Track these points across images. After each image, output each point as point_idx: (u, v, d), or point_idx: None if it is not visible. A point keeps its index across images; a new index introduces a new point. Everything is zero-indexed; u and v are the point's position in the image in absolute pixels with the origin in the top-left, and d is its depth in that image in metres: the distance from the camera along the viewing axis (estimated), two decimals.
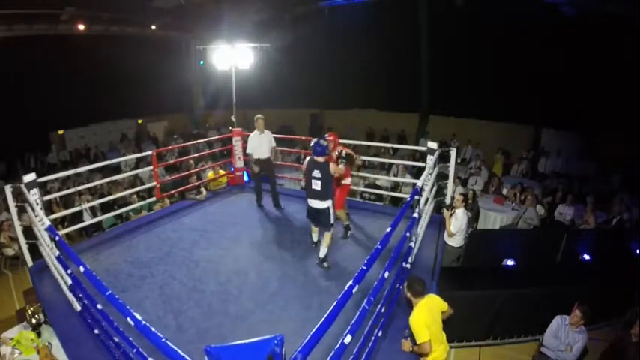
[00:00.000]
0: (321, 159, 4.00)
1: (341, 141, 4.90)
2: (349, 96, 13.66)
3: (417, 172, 7.82)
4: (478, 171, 9.41)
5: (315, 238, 4.59)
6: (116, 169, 9.63)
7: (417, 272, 3.94)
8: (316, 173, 4.00)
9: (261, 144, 5.59)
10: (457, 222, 4.72)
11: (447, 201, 5.24)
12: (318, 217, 4.23)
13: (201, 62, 12.19)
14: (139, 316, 1.91)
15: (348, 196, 4.90)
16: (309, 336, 1.65)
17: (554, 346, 3.88)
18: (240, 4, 11.46)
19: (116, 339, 2.69)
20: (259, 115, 5.68)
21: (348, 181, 4.76)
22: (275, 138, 5.88)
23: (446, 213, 4.82)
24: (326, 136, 4.54)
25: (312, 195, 4.13)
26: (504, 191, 8.32)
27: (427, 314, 2.89)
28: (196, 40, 13.40)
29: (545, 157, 10.37)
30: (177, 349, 1.60)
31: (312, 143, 4.00)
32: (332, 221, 4.13)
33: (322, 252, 4.17)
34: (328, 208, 4.09)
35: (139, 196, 6.92)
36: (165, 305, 3.54)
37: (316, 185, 4.03)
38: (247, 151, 5.66)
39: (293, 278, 3.98)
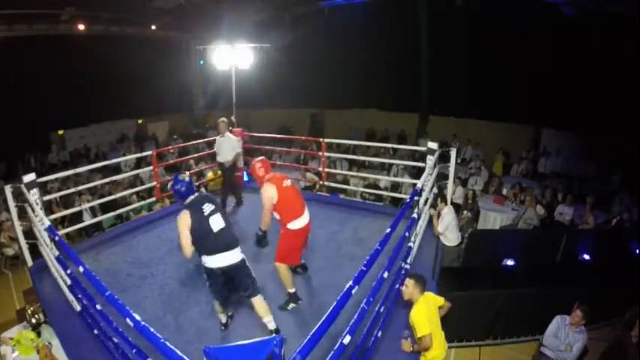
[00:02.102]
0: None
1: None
2: (349, 96, 13.66)
3: (417, 172, 7.83)
4: (478, 171, 9.41)
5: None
6: (116, 169, 9.63)
7: (417, 272, 3.94)
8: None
9: (220, 145, 5.53)
10: (443, 222, 4.72)
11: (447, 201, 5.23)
12: None
13: (201, 62, 12.21)
14: (137, 317, 1.90)
15: (292, 248, 3.44)
16: (309, 337, 1.64)
17: (555, 346, 3.88)
18: (240, 4, 11.47)
19: (115, 339, 2.69)
20: (222, 118, 5.56)
21: (295, 224, 3.35)
22: (274, 138, 5.88)
23: (432, 212, 4.81)
24: (255, 161, 3.49)
25: None
26: (504, 191, 8.32)
27: (427, 309, 2.94)
28: (196, 40, 13.40)
29: (546, 157, 10.37)
30: (176, 350, 1.60)
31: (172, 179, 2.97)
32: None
33: None
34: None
35: (139, 196, 6.92)
36: (165, 305, 3.54)
37: None
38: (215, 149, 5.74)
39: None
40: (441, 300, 3.15)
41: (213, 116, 15.38)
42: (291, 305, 3.43)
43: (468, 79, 11.25)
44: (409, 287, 3.01)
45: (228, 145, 5.52)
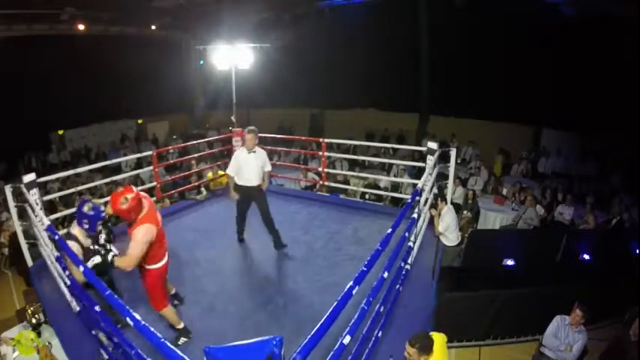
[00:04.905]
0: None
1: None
2: (349, 96, 13.66)
3: (418, 172, 7.83)
4: (478, 171, 9.42)
5: None
6: (116, 169, 9.64)
7: (417, 273, 3.95)
8: None
9: (247, 164, 4.27)
10: (443, 222, 4.73)
11: (448, 201, 5.23)
12: None
13: (201, 62, 12.20)
14: (137, 316, 1.90)
15: (162, 286, 3.03)
16: (309, 337, 1.64)
17: (555, 346, 3.88)
18: (240, 4, 11.47)
19: (115, 339, 2.68)
20: (251, 128, 4.32)
21: (155, 264, 2.89)
22: (274, 138, 5.55)
23: (433, 212, 4.81)
24: (120, 197, 2.62)
25: None
26: (504, 191, 8.33)
27: None
28: (196, 40, 13.41)
29: (546, 157, 10.37)
30: (176, 350, 1.60)
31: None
32: None
33: None
34: None
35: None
36: None
37: None
38: (227, 171, 4.42)
39: (293, 279, 3.98)
40: (445, 337, 2.83)
41: (213, 116, 15.42)
42: (182, 340, 3.10)
43: (468, 79, 11.25)
44: (413, 356, 2.50)
45: (257, 164, 4.30)
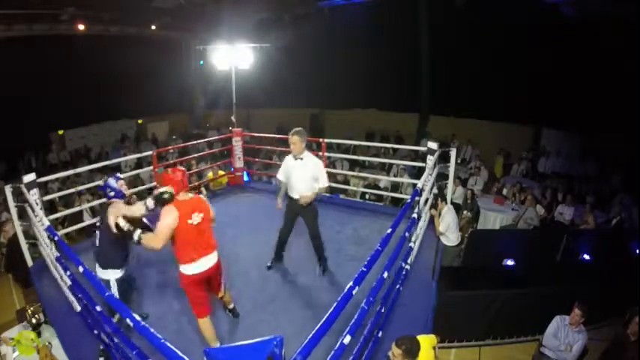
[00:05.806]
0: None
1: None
2: (349, 96, 13.67)
3: (418, 172, 7.83)
4: (477, 171, 9.42)
5: None
6: (116, 169, 9.63)
7: (417, 272, 3.95)
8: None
9: (292, 173, 3.69)
10: (444, 222, 4.73)
11: (448, 201, 5.24)
12: None
13: (201, 62, 12.21)
14: (137, 317, 1.91)
15: (199, 297, 2.86)
16: (309, 337, 1.65)
17: (554, 346, 3.89)
18: (240, 4, 11.47)
19: (116, 339, 2.69)
20: (297, 129, 3.65)
21: (187, 268, 2.76)
22: (274, 138, 5.31)
23: (433, 212, 4.81)
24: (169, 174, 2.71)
25: None
26: (504, 191, 8.33)
27: None
28: (196, 40, 13.42)
29: (546, 157, 10.37)
30: (177, 350, 1.60)
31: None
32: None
33: None
34: (107, 280, 2.90)
35: (139, 196, 6.91)
36: (165, 306, 3.54)
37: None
38: (277, 175, 3.96)
39: (293, 279, 3.98)
40: (433, 340, 2.85)
41: (213, 116, 15.42)
42: None
43: (468, 79, 11.25)
44: (397, 357, 2.44)
45: (304, 174, 3.65)
